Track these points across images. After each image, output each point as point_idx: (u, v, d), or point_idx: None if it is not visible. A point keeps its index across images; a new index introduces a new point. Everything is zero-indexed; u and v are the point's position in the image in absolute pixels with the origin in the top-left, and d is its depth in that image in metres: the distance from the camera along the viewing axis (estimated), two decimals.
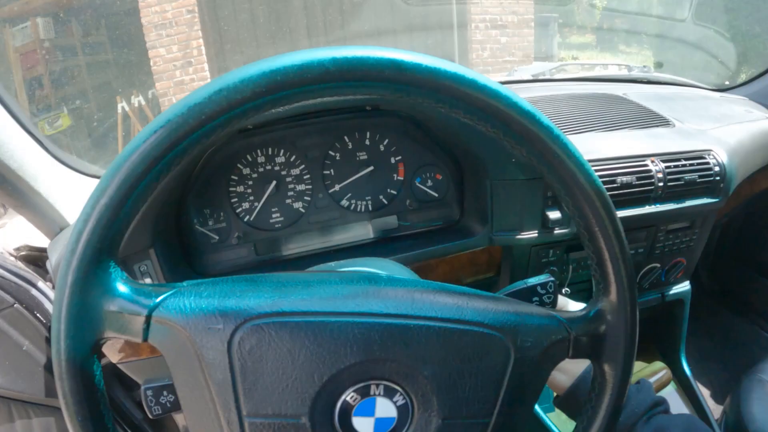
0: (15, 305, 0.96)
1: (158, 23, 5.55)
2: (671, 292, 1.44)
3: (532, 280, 0.68)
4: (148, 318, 0.47)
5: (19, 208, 0.92)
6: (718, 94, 1.74)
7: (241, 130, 0.98)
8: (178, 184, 0.95)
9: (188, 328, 0.47)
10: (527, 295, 0.67)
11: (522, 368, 0.52)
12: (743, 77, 1.82)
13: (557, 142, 0.49)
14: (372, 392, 0.49)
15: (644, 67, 1.86)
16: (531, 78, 1.76)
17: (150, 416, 0.54)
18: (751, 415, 1.27)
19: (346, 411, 0.49)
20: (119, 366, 1.03)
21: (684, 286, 1.46)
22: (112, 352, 1.00)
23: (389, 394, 0.50)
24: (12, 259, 1.01)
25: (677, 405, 1.55)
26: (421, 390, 0.50)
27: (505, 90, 0.47)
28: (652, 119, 1.33)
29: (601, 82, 1.72)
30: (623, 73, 1.81)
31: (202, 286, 0.50)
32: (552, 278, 0.68)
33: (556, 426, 1.28)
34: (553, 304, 0.68)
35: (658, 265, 1.34)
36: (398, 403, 0.50)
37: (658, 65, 1.93)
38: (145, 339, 0.47)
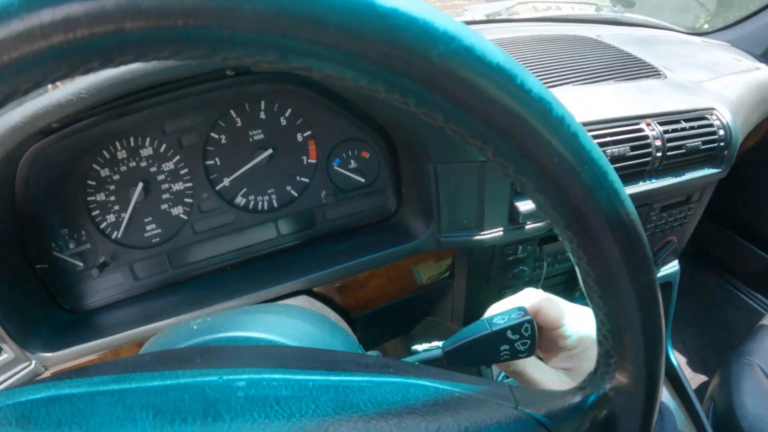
0: None
1: None
2: (659, 275, 1.18)
3: (499, 320, 0.50)
4: None
5: None
6: (698, 39, 1.48)
7: (45, 132, 0.65)
8: None
9: None
10: (493, 343, 0.49)
11: None
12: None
13: (560, 129, 0.24)
14: None
15: (614, 6, 1.56)
16: (485, 18, 1.42)
17: None
18: (743, 408, 1.12)
19: None
20: None
21: (672, 267, 1.22)
22: None
23: None
24: None
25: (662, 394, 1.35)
26: None
27: (445, 20, 0.21)
28: (638, 68, 1.03)
29: (566, 22, 1.42)
30: (591, 12, 1.50)
31: None
32: (528, 317, 0.50)
33: None
34: (530, 351, 0.50)
35: None
36: None
37: (629, 4, 1.63)
38: None
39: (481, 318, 0.53)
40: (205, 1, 0.18)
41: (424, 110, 0.22)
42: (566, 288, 1.03)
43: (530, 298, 0.54)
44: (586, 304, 1.06)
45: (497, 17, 1.44)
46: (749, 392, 1.27)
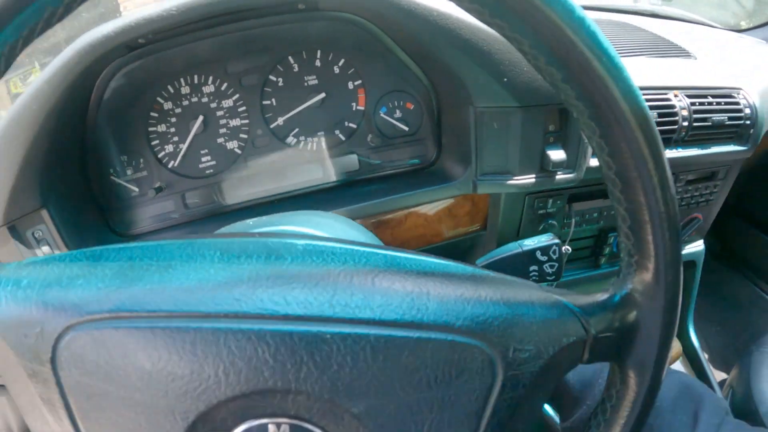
0: None
1: None
2: (683, 252, 1.24)
3: (530, 243, 0.54)
4: None
5: None
6: (735, 35, 1.55)
7: (131, 47, 0.75)
8: (68, 126, 0.75)
9: (4, 334, 0.34)
10: (523, 263, 0.54)
11: (515, 391, 0.36)
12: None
13: (580, 27, 0.31)
14: None
15: None
16: None
17: None
18: (761, 394, 1.14)
19: None
20: None
21: (697, 246, 1.29)
22: None
23: None
24: None
25: None
26: None
27: None
28: (670, 48, 1.12)
29: (607, 12, 1.50)
30: (629, 3, 1.59)
31: (26, 269, 0.36)
32: (556, 240, 0.54)
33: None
34: (557, 274, 0.54)
35: None
36: None
37: None
38: None
39: (513, 242, 0.60)
40: None
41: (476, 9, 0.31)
42: (592, 254, 1.11)
43: None
44: (611, 273, 1.11)
45: None
46: None
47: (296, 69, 0.85)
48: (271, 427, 0.34)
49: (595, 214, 1.00)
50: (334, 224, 0.59)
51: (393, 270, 0.36)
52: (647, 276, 0.36)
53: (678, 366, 1.43)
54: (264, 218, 0.61)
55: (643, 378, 0.38)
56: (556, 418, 0.92)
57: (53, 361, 0.34)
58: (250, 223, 0.60)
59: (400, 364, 0.33)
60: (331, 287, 0.34)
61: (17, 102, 0.67)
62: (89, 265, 0.36)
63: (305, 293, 0.33)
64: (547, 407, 0.92)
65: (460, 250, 0.98)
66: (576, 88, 0.32)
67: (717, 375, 1.65)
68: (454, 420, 0.35)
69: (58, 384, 0.34)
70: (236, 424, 0.34)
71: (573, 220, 0.98)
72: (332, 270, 0.35)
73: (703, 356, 1.45)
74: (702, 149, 0.99)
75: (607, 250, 1.08)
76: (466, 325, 0.34)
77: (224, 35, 0.77)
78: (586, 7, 1.50)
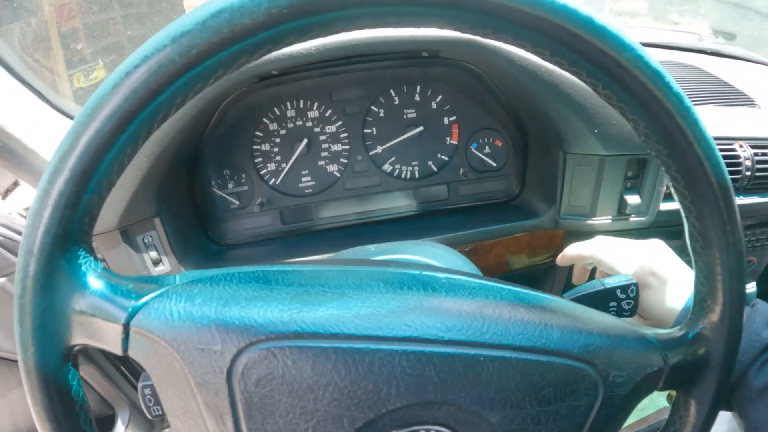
0: None
1: None
2: None
3: (611, 282, 0.61)
4: (126, 327, 0.39)
5: (13, 168, 0.84)
6: None
7: (263, 77, 0.90)
8: (189, 140, 0.89)
9: (175, 345, 0.39)
10: (604, 299, 0.61)
11: (608, 409, 0.45)
12: None
13: (687, 116, 0.39)
14: None
15: (716, 38, 1.78)
16: None
17: (149, 417, 0.47)
18: None
19: None
20: None
21: (750, 288, 1.41)
22: None
23: None
24: (21, 219, 0.95)
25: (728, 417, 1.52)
26: None
27: (630, 39, 0.37)
28: (736, 97, 1.26)
29: (668, 49, 1.64)
30: (693, 42, 1.71)
31: (197, 287, 0.41)
32: (634, 281, 0.62)
33: None
34: (633, 311, 0.62)
35: None
36: None
37: (730, 37, 1.84)
38: (125, 351, 0.40)
39: (595, 279, 0.69)
40: None
41: (591, 79, 0.38)
42: None
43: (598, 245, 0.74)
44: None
45: None
46: None
47: (397, 102, 1.00)
48: None
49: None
50: (445, 254, 0.71)
51: (523, 304, 0.44)
52: (715, 318, 0.47)
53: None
54: (383, 246, 0.72)
55: (703, 406, 0.49)
56: None
57: (229, 373, 0.38)
58: (372, 250, 0.70)
59: (532, 382, 0.42)
60: (480, 316, 0.42)
61: None
62: (265, 288, 0.42)
63: (462, 322, 0.41)
64: None
65: (535, 278, 1.14)
66: (677, 163, 0.41)
67: None
68: (563, 429, 0.43)
69: (231, 394, 0.39)
70: (394, 429, 0.41)
71: None
72: (478, 301, 0.44)
73: None
74: (762, 197, 1.13)
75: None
76: (581, 353, 0.43)
77: (344, 74, 0.93)
78: (652, 45, 1.66)
